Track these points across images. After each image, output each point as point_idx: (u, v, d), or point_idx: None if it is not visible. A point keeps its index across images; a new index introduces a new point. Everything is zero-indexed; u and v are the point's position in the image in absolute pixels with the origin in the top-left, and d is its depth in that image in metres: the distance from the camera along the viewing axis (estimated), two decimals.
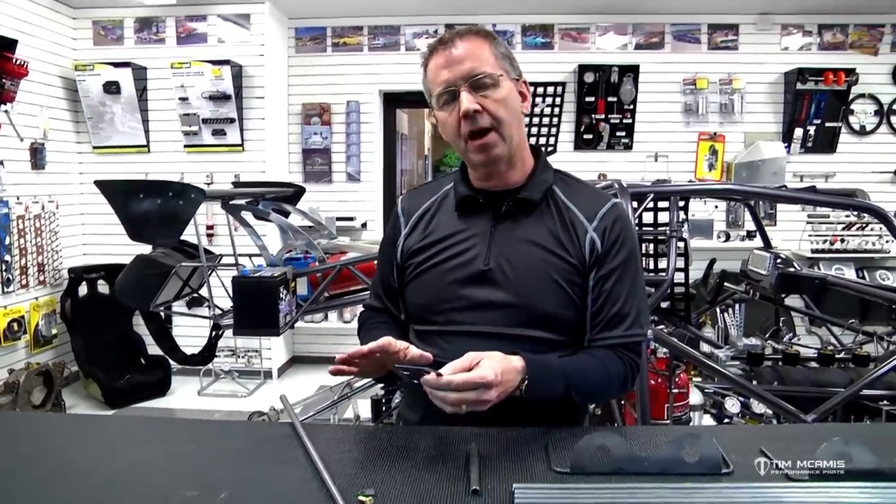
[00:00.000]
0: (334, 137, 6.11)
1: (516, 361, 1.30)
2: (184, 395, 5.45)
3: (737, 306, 3.57)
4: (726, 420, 3.14)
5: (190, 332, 4.63)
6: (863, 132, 5.90)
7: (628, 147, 5.97)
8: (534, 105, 5.12)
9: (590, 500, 1.01)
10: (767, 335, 3.69)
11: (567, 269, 1.45)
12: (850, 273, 5.61)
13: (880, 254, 5.74)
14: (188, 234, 2.86)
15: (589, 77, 5.84)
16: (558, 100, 5.71)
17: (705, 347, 3.47)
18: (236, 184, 4.21)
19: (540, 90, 5.40)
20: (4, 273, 4.84)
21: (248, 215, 3.15)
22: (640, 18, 5.91)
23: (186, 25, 5.72)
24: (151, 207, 2.51)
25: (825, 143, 5.86)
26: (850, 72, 5.67)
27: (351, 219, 5.96)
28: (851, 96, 5.80)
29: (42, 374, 4.74)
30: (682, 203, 3.03)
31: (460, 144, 1.47)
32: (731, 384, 2.93)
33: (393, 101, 6.45)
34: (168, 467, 1.21)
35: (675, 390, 2.84)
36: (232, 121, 5.59)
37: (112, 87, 5.54)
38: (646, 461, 1.11)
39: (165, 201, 2.51)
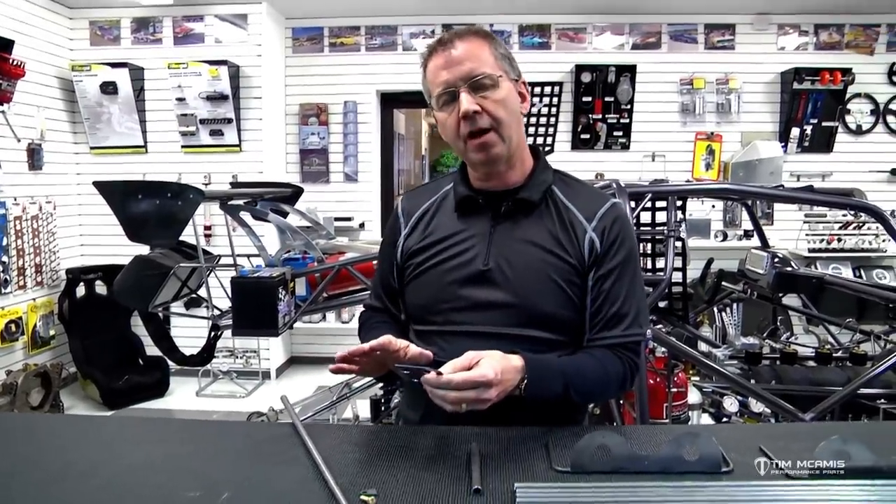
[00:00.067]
0: (332, 138, 6.11)
1: (516, 360, 1.30)
2: (182, 395, 5.45)
3: (734, 306, 3.58)
4: (725, 419, 3.15)
5: (188, 332, 4.62)
6: (859, 131, 5.92)
7: (625, 147, 5.98)
8: (531, 105, 5.13)
9: (591, 498, 1.02)
10: (765, 334, 3.70)
11: (566, 269, 1.46)
12: (846, 272, 5.62)
13: (877, 253, 5.76)
14: (186, 235, 2.86)
15: (586, 77, 5.84)
16: (555, 100, 5.73)
17: (703, 347, 3.49)
18: (234, 184, 4.22)
19: (537, 90, 5.41)
20: (2, 274, 4.83)
21: (246, 216, 3.15)
22: (637, 18, 5.92)
23: (183, 26, 5.71)
24: (150, 208, 2.51)
25: (822, 142, 5.88)
26: (847, 71, 5.68)
27: (348, 219, 5.96)
28: (848, 96, 5.82)
29: (40, 375, 4.73)
30: (679, 203, 3.04)
31: (459, 145, 1.47)
32: (730, 383, 2.94)
33: (390, 102, 6.45)
34: (169, 468, 1.21)
35: (674, 389, 2.85)
36: (229, 121, 5.59)
37: (109, 88, 5.53)
38: (646, 460, 1.12)
39: (164, 202, 2.51)
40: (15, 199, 4.98)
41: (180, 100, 5.54)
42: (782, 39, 5.92)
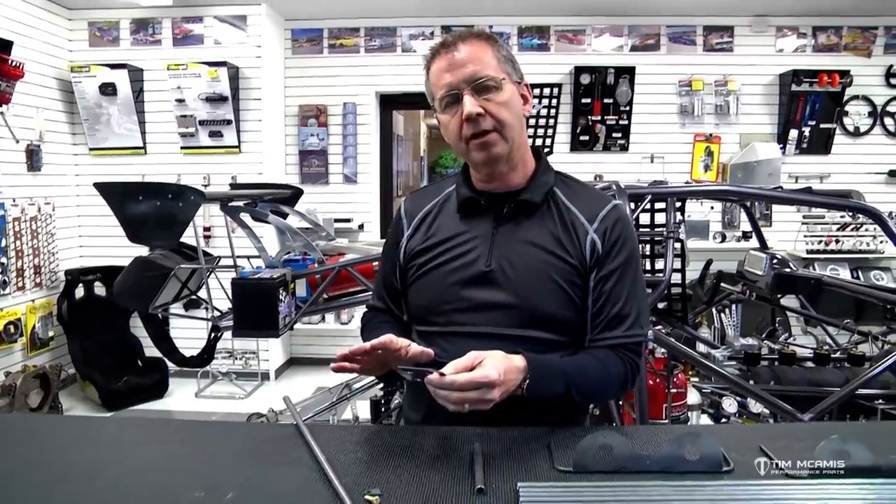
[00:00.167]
0: (331, 139, 6.11)
1: (518, 360, 1.31)
2: (181, 397, 5.45)
3: (733, 307, 3.59)
4: (724, 420, 3.16)
5: (187, 333, 4.62)
6: (857, 133, 5.93)
7: (624, 148, 5.99)
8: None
9: (593, 498, 1.02)
10: (764, 335, 3.71)
11: (568, 270, 1.47)
12: (844, 273, 5.64)
13: (875, 254, 5.77)
14: (186, 236, 2.86)
15: (585, 79, 5.85)
16: (554, 101, 5.73)
17: (701, 348, 3.49)
18: (234, 185, 4.21)
19: (536, 92, 5.42)
20: (1, 275, 4.83)
21: (246, 217, 3.16)
22: (636, 20, 5.93)
23: (183, 27, 5.72)
24: (151, 210, 2.51)
25: (820, 144, 5.89)
26: (845, 73, 5.70)
27: (348, 220, 5.97)
28: (845, 98, 5.83)
29: (39, 376, 4.73)
30: (678, 204, 3.05)
31: (462, 146, 1.48)
32: (729, 384, 2.95)
33: (389, 103, 6.45)
34: (172, 468, 1.21)
35: (674, 390, 2.86)
36: (229, 122, 5.59)
37: (108, 89, 5.53)
38: (647, 460, 1.13)
39: (165, 203, 2.51)
40: (14, 201, 4.97)
41: (179, 101, 5.54)
42: (780, 41, 5.93)
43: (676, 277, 3.01)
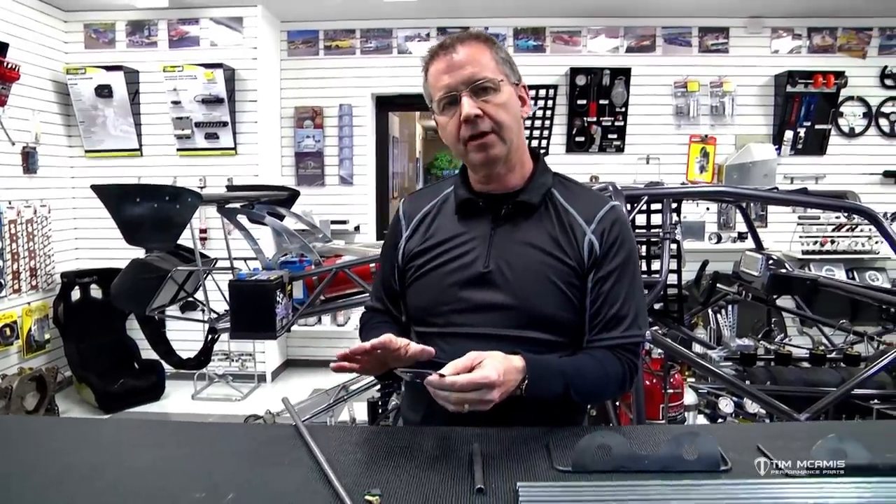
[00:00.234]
0: (327, 141, 6.12)
1: (517, 361, 1.31)
2: (178, 399, 5.44)
3: (729, 307, 3.59)
4: (720, 420, 3.17)
5: (183, 335, 4.61)
6: (852, 134, 5.95)
7: (620, 150, 6.00)
8: None
9: (592, 497, 1.03)
10: (760, 336, 3.72)
11: (566, 271, 1.47)
12: (840, 274, 5.65)
13: (870, 255, 5.78)
14: (183, 238, 2.85)
15: (580, 80, 5.86)
16: (550, 102, 5.76)
17: (698, 348, 3.50)
18: (230, 187, 4.21)
19: (532, 93, 5.42)
20: None
21: (242, 219, 3.16)
22: (632, 21, 5.95)
23: (179, 29, 5.72)
24: (148, 212, 2.51)
25: (815, 145, 5.91)
26: (839, 74, 5.72)
27: (344, 222, 5.96)
28: (840, 99, 5.85)
29: (35, 379, 4.72)
30: (674, 205, 3.06)
31: (460, 148, 1.49)
32: (726, 384, 2.96)
33: (385, 105, 6.46)
34: (172, 470, 1.21)
35: (670, 391, 2.87)
36: (225, 124, 5.59)
37: (104, 91, 5.53)
38: (646, 459, 1.13)
39: (162, 205, 2.51)
40: (9, 203, 4.97)
41: (175, 103, 5.54)
42: (776, 42, 5.95)
43: (673, 278, 3.03)
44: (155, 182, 4.62)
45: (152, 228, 2.53)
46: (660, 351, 2.89)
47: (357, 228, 6.06)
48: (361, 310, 1.81)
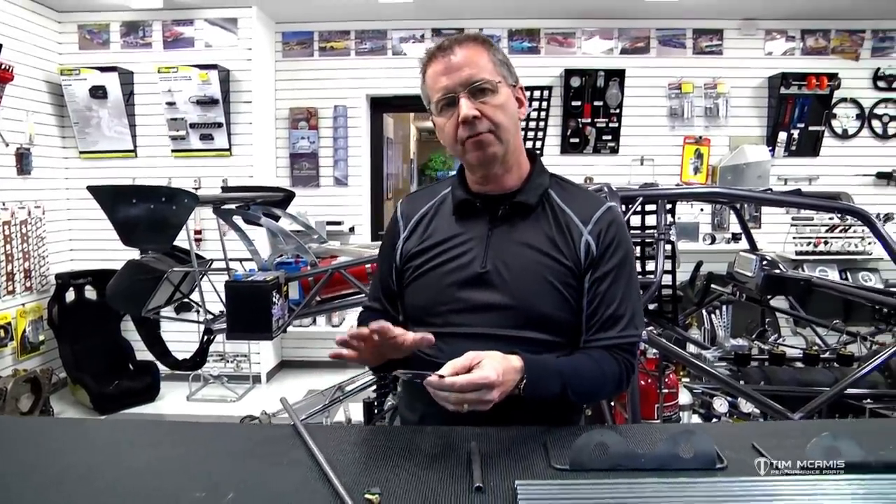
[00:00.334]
0: (322, 142, 6.12)
1: (515, 361, 1.32)
2: (173, 400, 5.44)
3: (724, 308, 3.61)
4: (714, 419, 3.18)
5: (178, 336, 4.60)
6: (845, 136, 5.98)
7: (614, 151, 6.02)
8: None
9: (590, 495, 1.04)
10: (754, 336, 3.74)
11: (562, 272, 1.48)
12: (833, 274, 5.68)
13: (863, 255, 5.82)
14: (178, 239, 2.85)
15: (575, 81, 5.87)
16: (545, 104, 5.77)
17: (692, 348, 3.51)
18: (225, 188, 4.21)
19: (527, 94, 5.43)
20: None
21: (238, 220, 3.15)
22: (626, 23, 5.96)
23: (173, 30, 5.71)
24: (144, 213, 2.50)
25: (808, 146, 5.93)
26: (833, 76, 5.75)
27: (338, 223, 5.96)
28: (834, 100, 5.88)
29: (30, 380, 4.70)
30: (669, 206, 3.07)
31: (458, 149, 1.50)
32: (720, 384, 2.97)
33: (380, 106, 6.46)
34: (171, 469, 1.22)
35: (665, 390, 2.88)
36: (219, 125, 5.58)
37: (98, 92, 5.51)
38: (643, 457, 1.14)
39: (158, 207, 2.50)
40: (3, 204, 4.96)
41: (170, 104, 5.54)
42: (769, 44, 5.98)
43: (667, 279, 3.04)
44: (149, 183, 4.61)
45: (149, 230, 2.53)
46: (655, 351, 2.90)
47: (352, 229, 6.06)
48: (356, 311, 1.81)
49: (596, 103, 5.91)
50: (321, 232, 3.83)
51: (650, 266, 3.02)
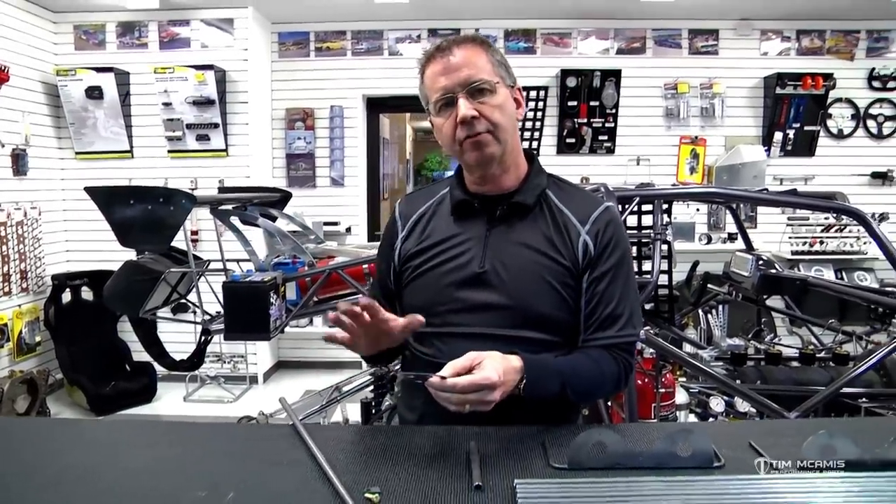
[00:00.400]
0: (318, 142, 6.12)
1: (515, 361, 1.33)
2: (169, 401, 5.43)
3: (720, 307, 3.62)
4: (711, 419, 3.18)
5: (175, 337, 4.60)
6: (840, 136, 6.00)
7: (610, 151, 6.03)
8: None
9: (588, 493, 1.04)
10: (750, 335, 3.74)
11: (560, 272, 1.49)
12: (829, 274, 5.69)
13: (858, 255, 5.83)
14: (175, 240, 2.85)
15: (571, 81, 5.88)
16: (541, 104, 5.77)
17: (688, 348, 3.52)
18: (222, 189, 4.21)
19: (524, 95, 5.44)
20: None
21: (235, 220, 3.15)
22: (622, 24, 5.97)
23: (169, 30, 5.71)
24: (142, 214, 2.51)
25: (804, 146, 5.95)
26: (828, 76, 5.76)
27: (335, 223, 5.96)
28: (829, 100, 5.89)
29: (26, 381, 4.70)
30: (665, 206, 3.08)
31: (456, 149, 1.51)
32: (716, 383, 2.98)
33: (376, 106, 6.46)
34: (171, 469, 1.22)
35: (662, 390, 2.88)
36: (216, 126, 5.58)
37: (94, 93, 5.51)
38: (641, 456, 1.15)
39: (156, 207, 2.50)
40: None
41: (166, 104, 5.53)
42: (765, 45, 6.00)
43: (663, 279, 3.04)
44: (145, 184, 4.61)
45: (146, 230, 2.53)
46: (651, 350, 2.91)
47: (348, 230, 6.06)
48: None
49: (592, 103, 5.92)
50: (318, 232, 3.83)
51: (647, 266, 3.03)
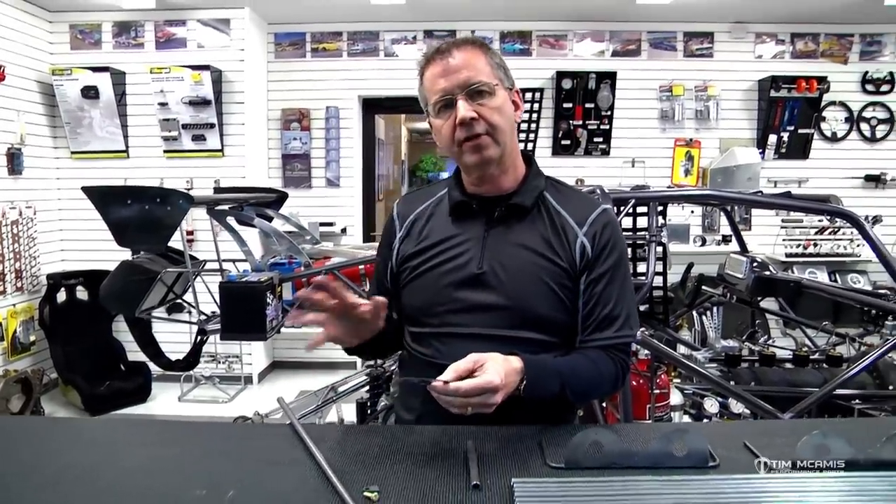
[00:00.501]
0: (314, 143, 6.12)
1: (515, 362, 1.34)
2: (164, 401, 5.42)
3: (714, 309, 3.63)
4: (705, 419, 3.20)
5: (170, 337, 4.60)
6: (834, 139, 6.03)
7: (605, 153, 6.04)
8: None
9: (585, 492, 1.05)
10: (744, 337, 3.76)
11: (558, 273, 1.50)
12: (822, 276, 5.72)
13: (851, 257, 5.87)
14: (172, 240, 2.86)
15: (566, 83, 5.90)
16: (536, 106, 5.78)
17: (682, 349, 3.53)
18: (217, 189, 4.22)
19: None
20: None
21: (231, 221, 3.16)
22: (617, 26, 5.99)
23: (166, 30, 5.70)
24: (139, 214, 2.51)
25: (798, 149, 5.98)
26: (822, 80, 5.79)
27: (330, 224, 5.97)
28: (823, 103, 5.93)
29: (20, 381, 4.69)
30: (660, 208, 3.10)
31: (455, 150, 1.52)
32: (711, 384, 2.99)
33: (372, 107, 6.47)
34: (171, 468, 1.22)
35: (657, 391, 2.89)
36: (212, 126, 5.58)
37: (90, 92, 5.50)
38: (637, 456, 1.16)
39: (154, 207, 2.51)
40: None
41: (162, 104, 5.53)
42: (759, 48, 6.02)
43: (658, 280, 3.06)
44: (141, 184, 4.60)
45: (143, 230, 2.53)
46: (646, 352, 2.92)
47: (344, 230, 6.06)
48: None
49: (587, 105, 5.94)
50: (314, 233, 3.84)
51: (641, 268, 3.04)
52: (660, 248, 2.99)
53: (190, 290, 3.13)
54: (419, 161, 11.73)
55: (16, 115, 5.16)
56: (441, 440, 1.30)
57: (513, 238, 1.53)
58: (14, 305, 5.14)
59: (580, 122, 5.98)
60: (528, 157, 1.65)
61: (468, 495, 1.07)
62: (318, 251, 3.53)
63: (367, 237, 6.31)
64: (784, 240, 5.89)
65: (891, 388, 3.08)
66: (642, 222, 3.07)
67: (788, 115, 5.89)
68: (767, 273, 3.55)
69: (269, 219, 3.31)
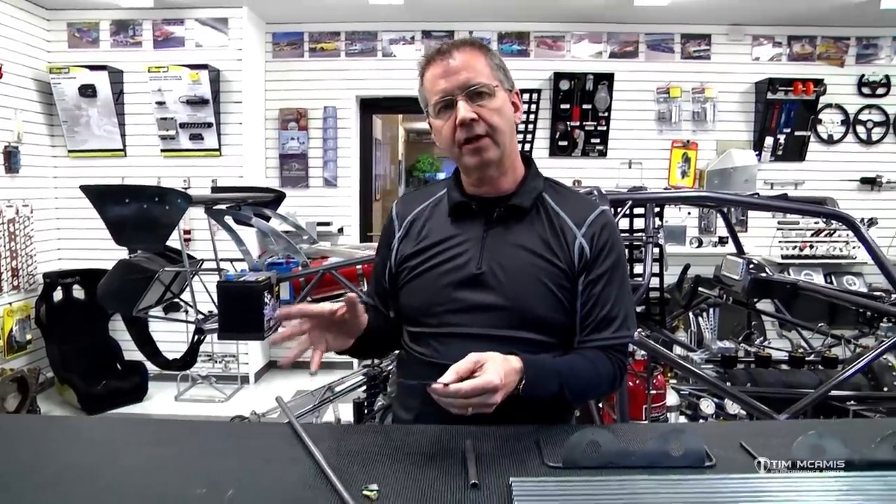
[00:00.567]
0: (311, 143, 6.12)
1: (515, 362, 1.34)
2: (161, 400, 5.42)
3: (710, 310, 3.64)
4: (701, 420, 3.21)
5: (167, 336, 4.59)
6: (830, 141, 6.05)
7: (602, 154, 6.06)
8: None
9: (583, 491, 1.06)
10: (740, 338, 3.77)
11: (557, 274, 1.51)
12: (818, 278, 5.74)
13: (847, 259, 5.89)
14: (170, 240, 2.86)
15: (564, 85, 5.91)
16: (534, 107, 5.79)
17: (678, 350, 3.54)
18: (215, 188, 4.21)
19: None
20: None
21: (229, 220, 3.16)
22: (615, 28, 6.01)
23: (164, 29, 5.70)
24: (137, 213, 2.50)
25: (794, 151, 6.00)
26: (819, 82, 5.81)
27: (328, 224, 5.96)
28: (819, 106, 5.95)
29: (16, 380, 4.68)
30: (657, 209, 3.10)
31: (455, 151, 1.52)
32: (707, 385, 2.99)
33: (369, 107, 6.47)
34: (170, 467, 1.22)
35: (653, 391, 2.90)
36: (209, 125, 5.58)
37: (88, 91, 5.50)
38: (634, 455, 1.17)
39: (152, 207, 2.50)
40: None
41: (160, 103, 5.53)
42: (756, 50, 6.04)
43: (655, 282, 3.07)
44: (138, 183, 4.60)
45: (141, 229, 2.53)
46: (643, 352, 2.93)
47: (341, 230, 6.04)
48: None
49: (585, 107, 5.95)
50: (311, 233, 3.84)
51: (638, 269, 3.05)
52: (656, 250, 3.00)
53: (187, 289, 3.13)
54: (416, 161, 11.74)
55: (13, 113, 5.15)
56: (439, 439, 1.31)
57: (511, 239, 1.54)
58: (10, 304, 5.13)
59: (577, 124, 5.99)
60: (527, 158, 1.66)
61: (467, 494, 1.07)
62: (315, 251, 3.53)
63: (364, 237, 6.32)
64: (780, 242, 5.90)
65: (885, 389, 3.09)
66: (639, 224, 3.08)
67: (785, 118, 5.91)
68: (764, 275, 3.56)
69: (267, 218, 3.31)
